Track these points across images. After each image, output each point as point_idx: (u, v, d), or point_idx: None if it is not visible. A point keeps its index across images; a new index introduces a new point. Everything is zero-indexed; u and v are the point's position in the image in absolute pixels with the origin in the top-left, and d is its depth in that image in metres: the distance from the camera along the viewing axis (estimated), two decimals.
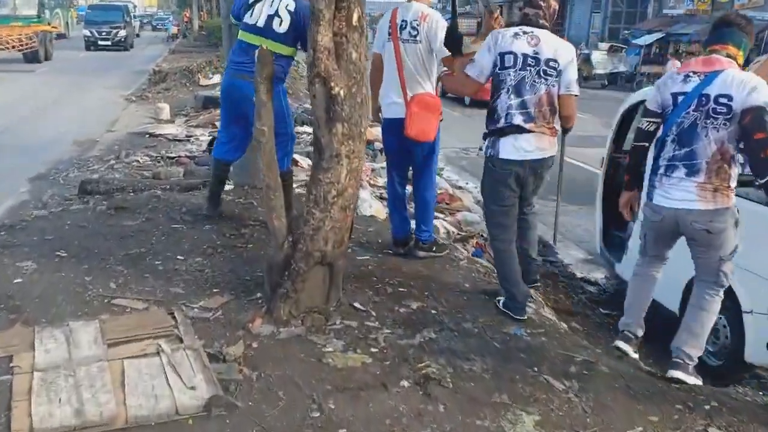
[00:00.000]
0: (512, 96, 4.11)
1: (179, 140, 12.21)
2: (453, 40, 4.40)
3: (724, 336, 4.70)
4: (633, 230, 5.35)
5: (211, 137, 10.54)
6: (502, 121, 4.13)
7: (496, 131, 4.17)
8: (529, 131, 4.10)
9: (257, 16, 4.96)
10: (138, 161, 10.08)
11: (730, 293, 4.08)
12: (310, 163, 9.53)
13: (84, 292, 4.11)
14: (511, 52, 4.11)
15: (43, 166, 9.82)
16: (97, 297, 4.05)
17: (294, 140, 5.42)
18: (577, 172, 10.57)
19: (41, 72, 22.89)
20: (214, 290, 4.18)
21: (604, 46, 33.96)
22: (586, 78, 30.04)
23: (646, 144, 3.84)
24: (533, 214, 4.53)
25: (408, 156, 5.05)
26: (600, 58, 32.26)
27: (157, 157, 10.50)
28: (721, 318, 4.38)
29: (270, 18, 4.93)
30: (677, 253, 4.26)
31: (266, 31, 4.94)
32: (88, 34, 35.03)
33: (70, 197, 7.88)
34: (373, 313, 4.00)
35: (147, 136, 12.39)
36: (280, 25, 4.92)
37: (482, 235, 6.35)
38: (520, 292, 4.23)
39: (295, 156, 7.73)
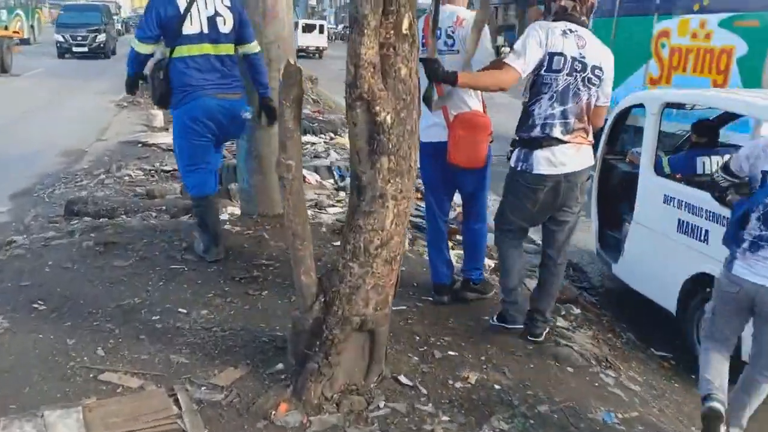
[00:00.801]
0: (555, 104, 3.66)
1: (172, 150, 11.43)
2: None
3: None
4: (628, 231, 5.25)
5: None
6: (538, 130, 3.69)
7: (529, 142, 3.72)
8: (566, 142, 3.71)
9: (198, 22, 4.34)
10: (130, 175, 9.32)
11: None
12: (318, 178, 8.82)
13: (65, 363, 3.33)
14: (561, 54, 3.61)
15: (26, 181, 9.02)
16: (81, 369, 3.27)
17: None
18: None
19: (27, 75, 21.98)
20: (226, 358, 3.40)
21: None
22: None
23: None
24: (561, 266, 3.99)
25: (451, 186, 4.31)
26: None
27: (150, 170, 9.74)
28: None
29: (212, 20, 4.37)
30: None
31: (214, 36, 4.38)
32: (61, 39, 29.48)
33: (55, 218, 7.14)
34: (424, 390, 3.23)
35: (139, 145, 11.65)
36: (225, 24, 4.40)
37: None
38: (520, 292, 4.07)
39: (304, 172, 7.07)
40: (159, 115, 14.12)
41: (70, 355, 3.40)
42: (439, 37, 4.00)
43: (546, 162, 3.72)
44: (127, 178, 9.22)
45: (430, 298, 4.38)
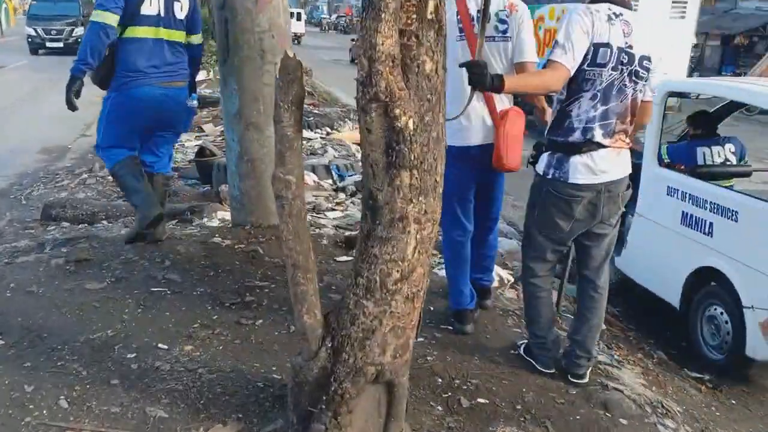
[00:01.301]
0: (598, 104, 3.12)
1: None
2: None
3: (725, 332, 4.50)
4: (631, 223, 5.23)
5: (198, 147, 9.16)
6: (577, 134, 3.16)
7: (566, 147, 3.19)
8: (607, 146, 3.18)
9: (156, 3, 4.13)
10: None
11: (731, 289, 4.29)
12: (316, 179, 8.24)
13: (21, 416, 2.76)
14: (607, 45, 3.06)
15: (3, 181, 8.47)
16: (39, 427, 2.70)
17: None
18: None
19: (9, 68, 21.28)
20: (212, 411, 2.83)
21: None
22: None
23: None
24: (603, 290, 3.44)
25: (474, 193, 3.81)
26: None
27: None
28: (722, 314, 4.48)
29: (169, 3, 4.18)
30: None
31: (169, 21, 4.19)
32: (33, 33, 26.41)
33: (32, 224, 6.60)
34: None
35: None
36: (181, 9, 4.25)
37: None
38: (552, 340, 3.48)
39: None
40: None
41: (26, 405, 2.83)
42: (488, 20, 3.33)
43: (586, 169, 3.18)
44: (111, 177, 8.63)
45: (450, 327, 3.82)
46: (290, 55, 2.44)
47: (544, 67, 3.07)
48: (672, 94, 5.58)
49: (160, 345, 3.34)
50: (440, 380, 3.21)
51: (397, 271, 2.47)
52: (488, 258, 4.14)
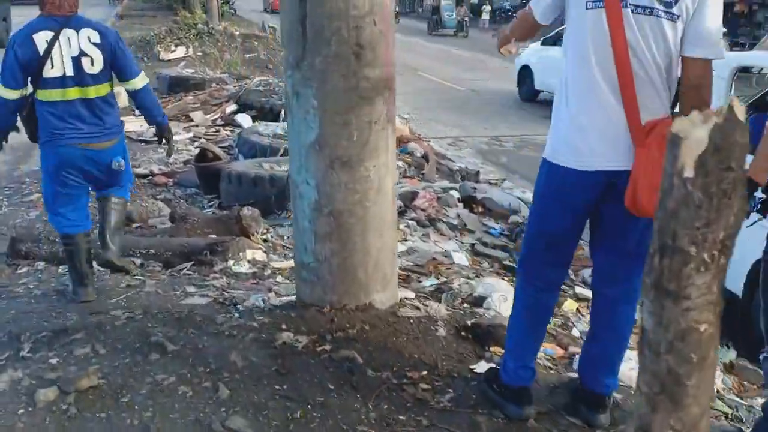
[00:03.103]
0: None
1: (146, 141, 9.22)
2: None
3: None
4: None
5: (198, 149, 7.51)
6: None
7: None
8: None
9: (60, 64, 3.81)
10: None
11: None
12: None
13: None
14: None
15: None
16: None
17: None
18: None
19: None
20: None
21: None
22: None
23: None
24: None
25: (578, 238, 2.76)
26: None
27: None
28: None
29: (77, 60, 3.84)
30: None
31: (81, 78, 3.86)
32: None
33: None
34: None
35: None
36: (92, 64, 3.89)
37: None
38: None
39: None
40: (122, 94, 11.60)
41: None
42: None
43: None
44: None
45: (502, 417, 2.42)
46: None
47: None
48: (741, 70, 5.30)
49: None
50: None
51: None
52: (612, 349, 2.80)
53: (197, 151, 8.04)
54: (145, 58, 14.51)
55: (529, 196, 8.05)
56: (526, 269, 2.76)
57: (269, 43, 16.19)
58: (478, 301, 4.04)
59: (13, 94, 3.78)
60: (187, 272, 4.71)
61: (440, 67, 18.81)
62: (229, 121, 10.19)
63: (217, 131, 9.80)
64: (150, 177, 7.37)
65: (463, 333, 3.27)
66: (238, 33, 15.97)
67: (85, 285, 4.14)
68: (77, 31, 3.78)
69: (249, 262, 4.84)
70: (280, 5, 3.06)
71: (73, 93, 3.84)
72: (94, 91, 3.88)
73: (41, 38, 3.71)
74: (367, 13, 2.91)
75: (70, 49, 3.78)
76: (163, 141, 4.43)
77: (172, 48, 14.64)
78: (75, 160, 3.93)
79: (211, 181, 6.83)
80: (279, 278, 4.58)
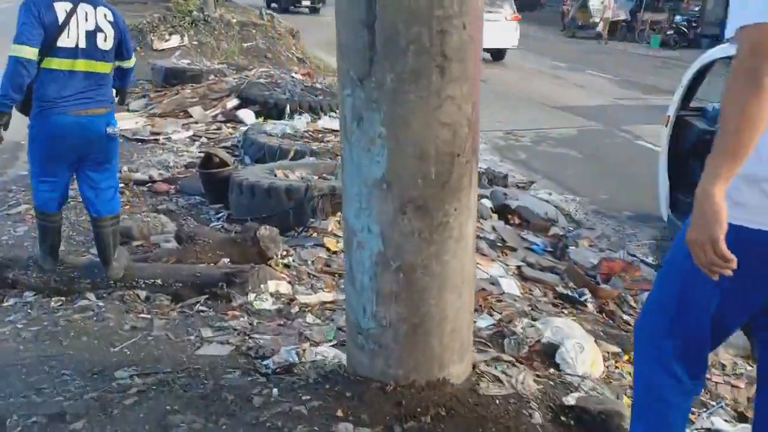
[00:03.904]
0: None
1: (143, 140, 8.57)
2: None
3: None
4: None
5: (203, 153, 6.82)
6: None
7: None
8: None
9: (75, 35, 3.93)
10: None
11: None
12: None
13: None
14: None
15: None
16: None
17: None
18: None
19: None
20: None
21: None
22: (582, 27, 27.72)
23: None
24: None
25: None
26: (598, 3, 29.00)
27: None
28: None
29: (92, 34, 3.99)
30: None
31: (91, 52, 4.00)
32: None
33: None
34: None
35: None
36: (105, 40, 4.05)
37: None
38: None
39: None
40: None
41: None
42: None
43: None
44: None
45: None
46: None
47: None
48: None
49: None
50: None
51: None
52: None
53: (200, 154, 7.38)
54: (138, 48, 13.71)
55: (556, 198, 7.50)
56: (646, 356, 2.15)
57: (267, 30, 15.42)
58: (548, 350, 3.43)
59: (33, 53, 3.81)
60: (200, 308, 4.07)
61: None
62: (231, 117, 9.48)
63: (219, 129, 9.11)
64: (149, 184, 6.67)
65: (563, 417, 2.61)
66: (235, 20, 15.19)
67: (53, 257, 4.39)
68: (95, 8, 3.98)
69: (272, 295, 4.21)
70: (336, 4, 2.37)
71: (81, 65, 3.98)
72: (101, 66, 4.06)
73: (61, 8, 3.87)
74: (456, 13, 2.22)
75: (86, 23, 3.95)
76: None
77: (166, 37, 13.85)
78: (65, 127, 4.00)
79: (218, 189, 6.18)
80: (309, 317, 3.94)
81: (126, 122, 9.12)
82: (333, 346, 3.50)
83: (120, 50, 4.18)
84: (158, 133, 8.68)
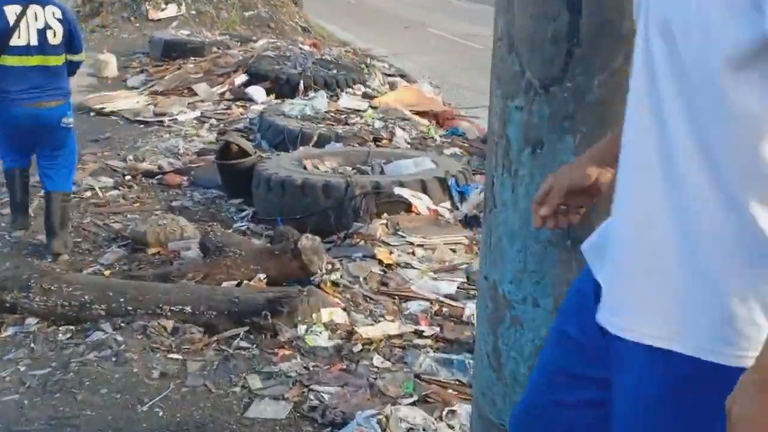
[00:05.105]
0: None
1: (146, 122, 7.81)
2: None
3: None
4: None
5: (222, 142, 6.05)
6: None
7: None
8: None
9: (26, 35, 4.38)
10: (92, 189, 5.70)
11: None
12: (431, 204, 4.94)
13: None
14: None
15: None
16: None
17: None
18: None
19: None
20: None
21: None
22: None
23: None
24: None
25: None
26: None
27: (122, 172, 6.12)
28: None
29: (42, 32, 4.42)
30: None
31: (43, 48, 4.44)
32: None
33: None
34: None
35: (91, 114, 7.96)
36: (54, 36, 4.47)
37: None
38: None
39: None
40: (111, 61, 10.17)
41: None
42: None
43: None
44: (88, 194, 5.64)
45: None
46: None
47: None
48: None
49: None
50: None
51: None
52: None
53: (213, 140, 6.65)
54: (132, 18, 12.85)
55: None
56: None
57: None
58: None
59: None
60: (241, 343, 3.37)
61: (444, 21, 16.75)
62: (240, 95, 8.68)
63: (228, 108, 8.31)
64: (160, 176, 5.91)
65: None
66: None
67: (24, 214, 4.80)
68: (43, 7, 4.37)
69: (326, 326, 3.49)
70: None
71: (34, 60, 4.40)
72: (53, 60, 4.46)
73: (11, 11, 4.28)
74: None
75: (36, 23, 4.36)
76: None
77: (162, 6, 12.97)
78: (18, 119, 4.39)
79: (238, 182, 5.46)
80: (375, 358, 3.25)
81: (125, 101, 8.35)
82: (414, 403, 2.84)
83: (70, 44, 4.56)
84: (163, 114, 7.88)
